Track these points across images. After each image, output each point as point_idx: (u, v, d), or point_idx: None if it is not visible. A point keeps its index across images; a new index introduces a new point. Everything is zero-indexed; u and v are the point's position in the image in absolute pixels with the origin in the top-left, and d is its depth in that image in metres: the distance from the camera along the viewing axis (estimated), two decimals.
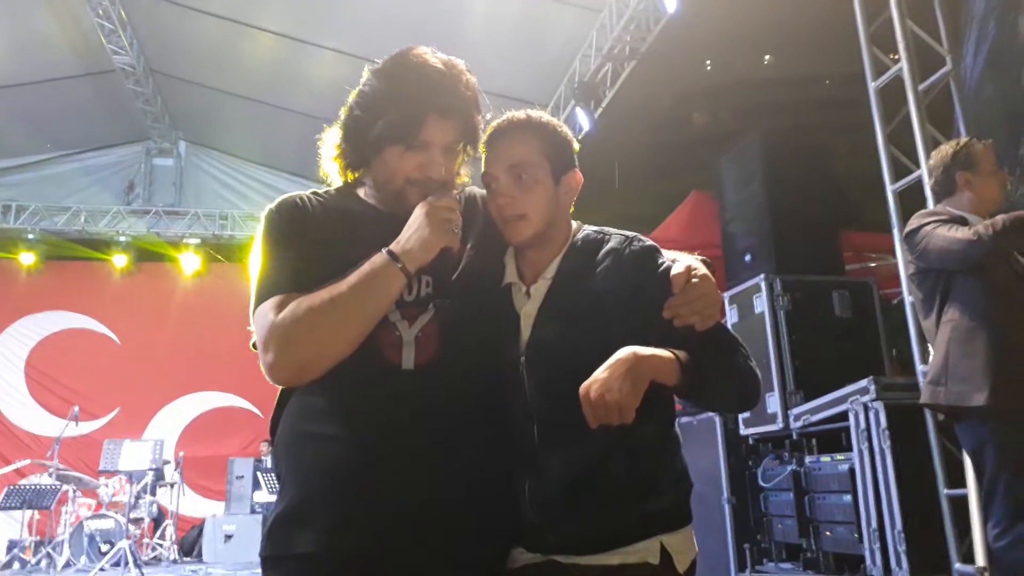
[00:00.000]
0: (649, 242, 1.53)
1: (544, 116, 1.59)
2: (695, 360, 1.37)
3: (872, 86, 4.41)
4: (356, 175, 1.64)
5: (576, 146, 1.62)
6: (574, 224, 1.61)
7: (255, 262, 1.53)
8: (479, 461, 1.46)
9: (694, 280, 1.40)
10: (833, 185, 5.59)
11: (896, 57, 4.30)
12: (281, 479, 1.51)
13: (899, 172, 4.27)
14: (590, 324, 1.45)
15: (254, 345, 1.49)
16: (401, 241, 1.45)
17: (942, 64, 4.19)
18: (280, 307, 1.42)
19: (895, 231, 4.21)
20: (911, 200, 4.16)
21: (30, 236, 10.26)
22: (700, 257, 1.50)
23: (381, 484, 1.40)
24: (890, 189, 4.27)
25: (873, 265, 6.76)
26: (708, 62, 7.49)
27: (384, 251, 1.44)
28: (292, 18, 7.48)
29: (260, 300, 1.46)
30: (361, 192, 1.63)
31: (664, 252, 1.52)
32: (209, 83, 9.21)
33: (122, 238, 10.55)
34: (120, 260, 10.64)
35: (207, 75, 9.11)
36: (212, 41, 8.32)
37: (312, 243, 1.50)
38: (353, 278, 1.42)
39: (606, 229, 1.58)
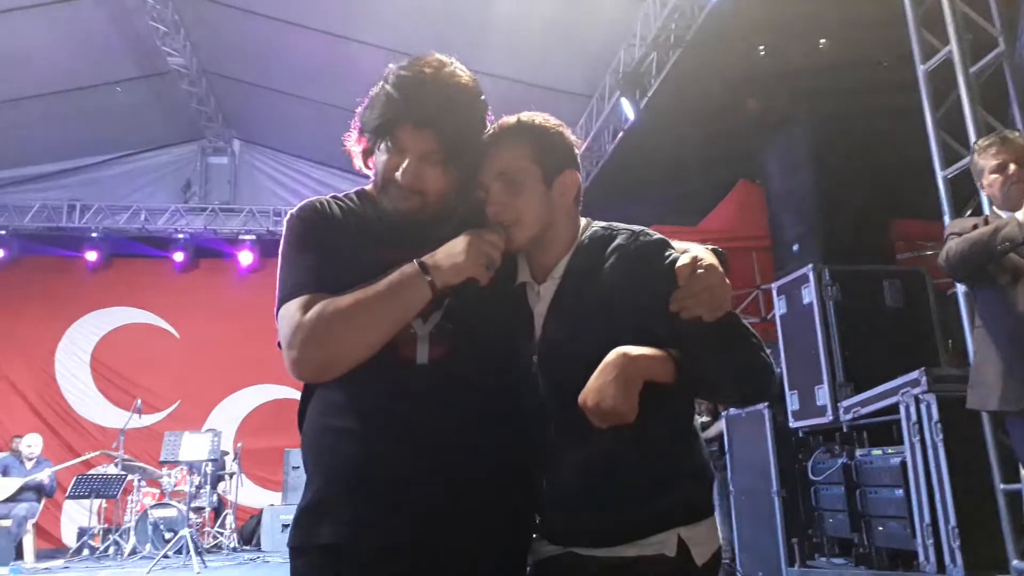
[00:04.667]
0: (657, 236, 1.52)
1: (537, 118, 1.58)
2: (693, 356, 1.37)
3: (921, 69, 4.27)
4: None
5: (573, 140, 1.60)
6: (583, 221, 1.61)
7: (279, 264, 1.58)
8: (494, 454, 1.49)
9: (699, 271, 1.38)
10: (883, 172, 5.44)
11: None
12: (307, 471, 1.56)
13: (950, 158, 4.14)
14: (598, 322, 1.46)
15: (280, 343, 1.53)
16: (436, 256, 1.48)
17: (995, 46, 4.04)
18: (306, 307, 1.46)
19: (946, 219, 4.08)
20: (962, 186, 4.03)
21: (94, 234, 10.63)
22: (711, 247, 1.49)
23: (398, 477, 1.43)
24: (940, 175, 4.14)
25: (929, 254, 6.57)
26: (761, 48, 7.33)
27: (416, 262, 1.46)
28: (336, 15, 7.58)
29: (285, 300, 1.50)
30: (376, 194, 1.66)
31: (674, 244, 1.50)
32: (260, 82, 9.40)
33: (180, 235, 10.87)
34: (179, 256, 10.97)
35: (258, 74, 9.31)
36: (262, 40, 8.48)
37: (332, 245, 1.54)
38: (382, 285, 1.45)
39: (615, 225, 1.57)
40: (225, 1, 7.93)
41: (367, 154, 1.64)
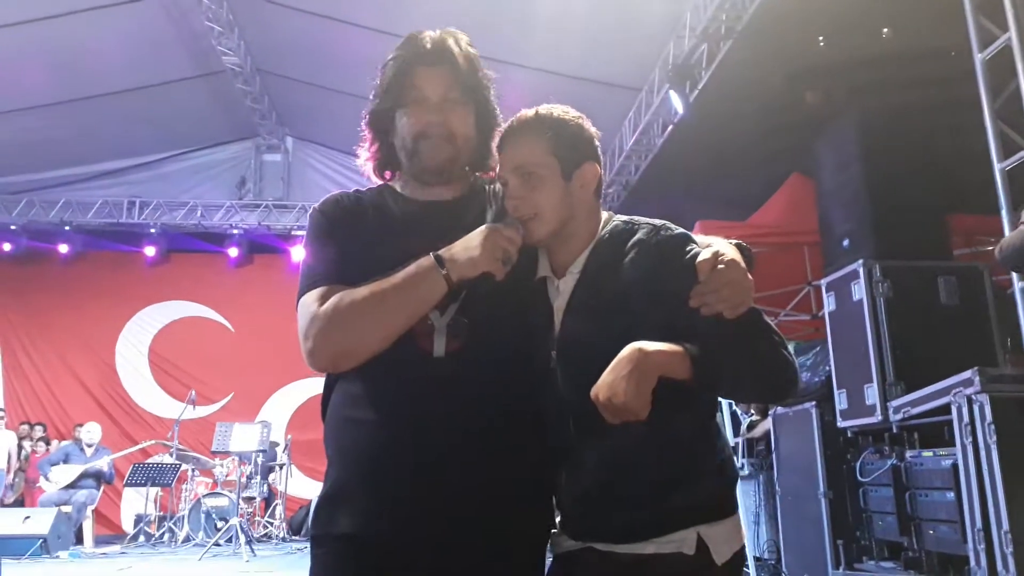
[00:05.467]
0: (678, 230, 1.49)
1: (555, 111, 1.56)
2: (711, 352, 1.34)
3: (979, 57, 4.12)
4: (391, 172, 1.69)
5: (594, 132, 1.58)
6: (604, 215, 1.59)
7: (302, 258, 1.60)
8: (510, 448, 1.48)
9: (720, 267, 1.35)
10: (939, 165, 5.24)
11: None
12: (327, 460, 1.57)
13: (1008, 149, 3.99)
14: (617, 318, 1.44)
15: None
16: (452, 250, 1.47)
17: None
18: (323, 298, 1.48)
19: (1003, 213, 3.94)
20: (1022, 179, 3.88)
21: (152, 230, 10.94)
22: (735, 242, 1.46)
23: (414, 468, 1.44)
24: (998, 168, 3.99)
25: (989, 249, 6.32)
26: (821, 38, 7.16)
27: (432, 255, 1.47)
28: (384, 11, 7.62)
29: (304, 291, 1.53)
30: (398, 187, 1.68)
31: (697, 238, 1.47)
32: (312, 80, 9.52)
33: (235, 231, 11.11)
34: (233, 252, 11.21)
35: (310, 72, 9.43)
36: (313, 38, 8.59)
37: (351, 238, 1.56)
38: (398, 277, 1.46)
39: (636, 219, 1.55)
40: (277, 0, 8.06)
41: (382, 166, 1.68)
